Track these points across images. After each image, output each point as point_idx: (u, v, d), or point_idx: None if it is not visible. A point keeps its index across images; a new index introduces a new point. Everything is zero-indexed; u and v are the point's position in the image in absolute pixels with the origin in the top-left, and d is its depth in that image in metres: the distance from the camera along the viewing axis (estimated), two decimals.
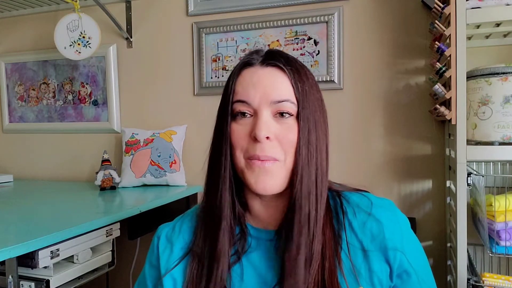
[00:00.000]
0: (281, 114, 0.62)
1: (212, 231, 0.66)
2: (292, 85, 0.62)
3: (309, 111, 0.63)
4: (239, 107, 0.63)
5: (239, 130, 0.63)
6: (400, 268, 0.64)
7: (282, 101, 0.61)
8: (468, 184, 1.08)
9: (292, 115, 0.62)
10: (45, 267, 1.07)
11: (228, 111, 0.63)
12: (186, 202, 1.70)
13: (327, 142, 0.67)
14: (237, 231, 0.68)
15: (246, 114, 0.63)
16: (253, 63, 0.64)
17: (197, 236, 0.69)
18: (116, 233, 1.30)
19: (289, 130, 0.62)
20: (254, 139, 0.61)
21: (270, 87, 0.62)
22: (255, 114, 0.62)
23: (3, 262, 0.97)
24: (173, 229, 0.74)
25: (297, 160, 0.61)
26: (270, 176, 0.61)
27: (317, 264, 0.61)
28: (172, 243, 0.71)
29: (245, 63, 0.65)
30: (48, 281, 1.09)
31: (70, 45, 1.77)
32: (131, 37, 1.93)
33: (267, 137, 0.61)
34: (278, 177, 0.62)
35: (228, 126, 0.63)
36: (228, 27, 1.75)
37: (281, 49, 1.69)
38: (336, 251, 0.63)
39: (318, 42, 1.65)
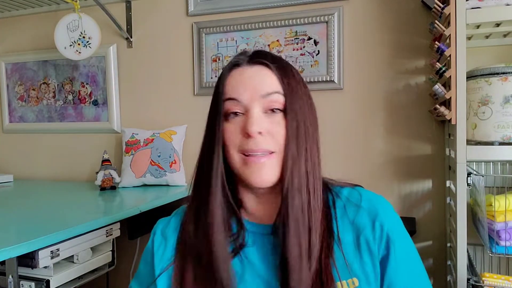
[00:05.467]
0: (272, 110, 0.63)
1: (206, 229, 0.65)
2: (279, 80, 0.64)
3: (297, 105, 0.64)
4: (230, 106, 0.64)
5: (231, 128, 0.64)
6: (387, 239, 0.64)
7: (272, 93, 0.63)
8: (468, 184, 1.09)
9: (281, 110, 0.64)
10: (45, 267, 1.07)
11: (219, 111, 0.65)
12: None
13: (317, 136, 0.68)
14: (234, 229, 0.68)
15: (237, 113, 0.64)
16: (241, 63, 0.67)
17: (185, 235, 0.69)
18: (116, 233, 1.30)
19: (279, 125, 0.63)
20: (247, 135, 0.62)
21: (259, 83, 0.64)
22: (246, 112, 0.64)
23: (3, 262, 0.97)
24: (168, 224, 0.74)
25: (286, 153, 0.63)
26: (266, 169, 0.63)
27: (317, 256, 0.62)
28: (166, 239, 0.71)
29: (233, 64, 0.67)
30: (48, 281, 1.09)
31: (70, 45, 1.77)
32: (131, 37, 1.93)
33: (260, 132, 0.62)
34: (273, 170, 0.63)
35: (220, 125, 0.64)
36: (228, 27, 1.75)
37: (281, 49, 1.69)
38: (328, 244, 0.64)
39: (318, 42, 1.65)
